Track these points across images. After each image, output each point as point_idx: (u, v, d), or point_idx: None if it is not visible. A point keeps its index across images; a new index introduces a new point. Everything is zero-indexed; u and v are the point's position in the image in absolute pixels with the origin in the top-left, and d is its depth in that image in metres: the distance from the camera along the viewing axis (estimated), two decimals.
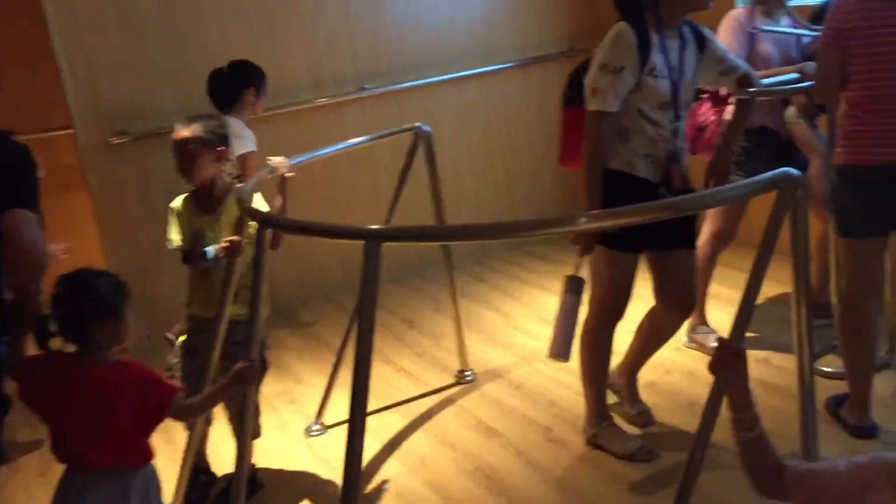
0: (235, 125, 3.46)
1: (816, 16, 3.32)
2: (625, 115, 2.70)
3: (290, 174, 2.85)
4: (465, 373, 3.71)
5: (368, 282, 1.87)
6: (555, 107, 5.40)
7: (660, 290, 2.96)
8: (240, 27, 4.47)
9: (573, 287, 2.81)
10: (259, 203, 2.64)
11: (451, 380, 3.71)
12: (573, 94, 2.96)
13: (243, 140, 3.57)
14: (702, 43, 2.81)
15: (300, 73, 4.66)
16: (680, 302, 2.94)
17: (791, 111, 3.38)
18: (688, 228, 2.89)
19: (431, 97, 5.04)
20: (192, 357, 2.83)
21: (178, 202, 2.84)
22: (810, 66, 3.12)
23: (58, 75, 4.14)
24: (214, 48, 4.37)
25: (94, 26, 4.13)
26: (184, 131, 2.73)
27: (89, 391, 1.99)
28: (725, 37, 3.31)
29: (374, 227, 1.89)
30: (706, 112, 3.40)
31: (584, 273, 2.89)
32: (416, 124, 3.43)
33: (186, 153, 2.72)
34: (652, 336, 3.08)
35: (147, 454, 2.10)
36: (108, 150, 4.23)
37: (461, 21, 5.09)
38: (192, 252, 2.74)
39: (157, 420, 2.05)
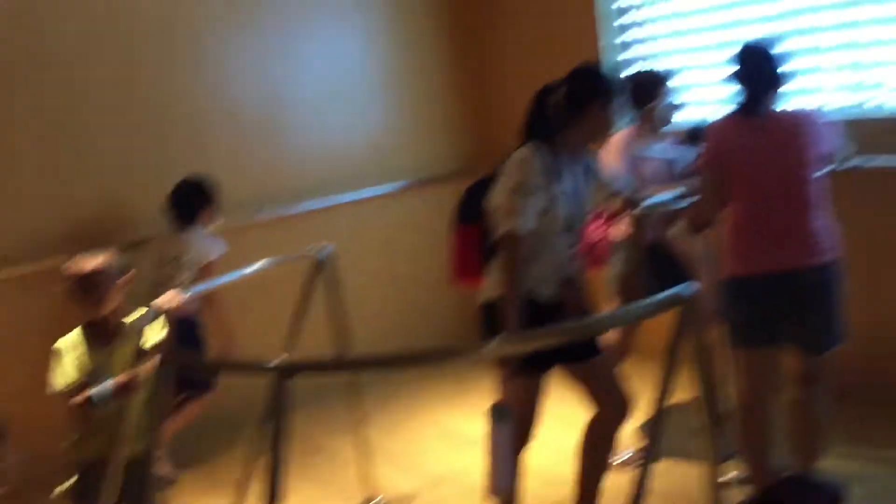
0: (199, 235, 4.03)
1: (691, 136, 3.55)
2: (529, 239, 2.76)
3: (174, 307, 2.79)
4: (372, 500, 3.60)
5: (278, 418, 1.82)
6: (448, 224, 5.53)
7: (594, 397, 2.95)
8: (132, 147, 4.40)
9: (499, 416, 2.74)
10: (157, 332, 2.57)
11: None
12: (467, 211, 3.02)
13: (213, 246, 4.06)
14: (593, 167, 2.95)
15: None
16: (617, 401, 2.92)
17: (677, 228, 3.56)
18: (592, 339, 2.93)
19: (330, 219, 5.05)
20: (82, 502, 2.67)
21: (67, 340, 2.73)
22: (691, 183, 3.31)
23: None
24: (99, 170, 4.27)
25: None
26: (90, 263, 2.69)
27: None
28: (612, 158, 3.49)
29: (280, 360, 1.86)
30: (596, 228, 3.54)
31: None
32: (316, 248, 3.42)
33: (96, 285, 2.67)
34: (600, 443, 2.99)
35: None
36: None
37: (358, 141, 5.19)
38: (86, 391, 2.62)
39: None
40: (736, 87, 2.91)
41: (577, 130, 2.80)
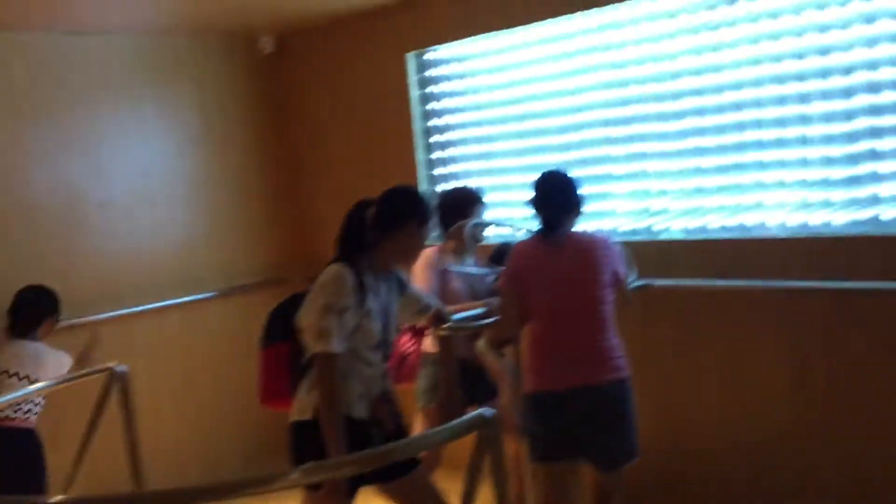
0: (42, 348, 3.85)
1: (495, 256, 3.69)
2: (342, 357, 2.72)
3: None
4: None
5: None
6: (256, 335, 5.38)
7: None
8: None
9: None
10: None
11: None
12: (275, 330, 2.96)
13: (61, 360, 3.90)
14: (401, 284, 2.98)
15: None
16: None
17: (481, 343, 3.65)
18: None
19: (127, 330, 4.78)
20: None
21: None
22: (495, 301, 3.42)
23: None
24: None
25: None
26: None
27: None
28: (419, 274, 3.56)
29: (57, 500, 1.69)
30: (406, 342, 3.57)
31: None
32: (110, 364, 3.21)
33: None
34: None
35: None
36: None
37: (162, 250, 4.99)
38: None
39: None
40: (535, 212, 3.08)
41: (389, 249, 2.84)
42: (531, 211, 3.11)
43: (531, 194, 3.11)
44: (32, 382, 3.74)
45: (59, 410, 4.20)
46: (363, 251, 2.83)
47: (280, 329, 2.93)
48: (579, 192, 3.11)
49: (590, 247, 3.06)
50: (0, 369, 3.81)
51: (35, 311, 3.95)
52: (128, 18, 4.54)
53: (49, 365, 3.91)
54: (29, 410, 3.80)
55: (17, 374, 3.81)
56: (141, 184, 4.95)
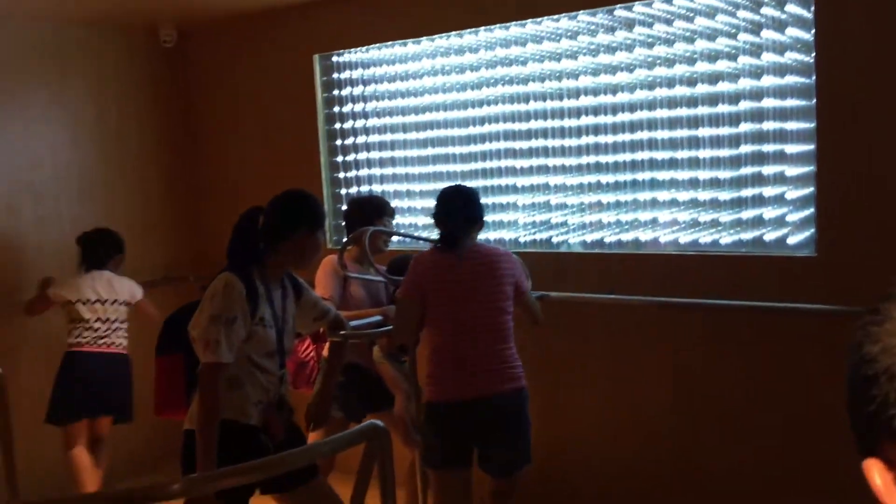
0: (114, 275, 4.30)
1: (394, 266, 3.72)
2: (235, 364, 2.69)
3: None
4: None
5: None
6: (148, 336, 5.25)
7: None
8: None
9: None
10: None
11: None
12: (169, 340, 2.91)
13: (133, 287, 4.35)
14: (298, 291, 2.96)
15: None
16: None
17: (376, 351, 3.67)
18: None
19: (9, 329, 4.58)
20: None
21: None
22: (392, 309, 3.45)
23: None
24: None
25: None
26: None
27: None
28: (322, 280, 3.55)
29: None
30: (306, 349, 3.55)
31: None
32: None
33: None
34: None
35: None
36: None
37: (49, 247, 4.80)
38: None
39: None
40: (437, 225, 3.12)
41: (282, 255, 2.81)
42: (433, 223, 3.15)
43: (434, 208, 3.15)
44: (113, 304, 4.25)
45: None
46: (255, 259, 2.79)
47: (173, 340, 2.88)
48: (481, 205, 3.17)
49: (491, 258, 3.12)
50: (83, 298, 4.19)
51: (103, 249, 4.35)
52: (24, 4, 4.36)
53: (125, 289, 4.36)
54: (121, 337, 4.29)
55: (98, 300, 4.24)
56: (30, 176, 4.75)
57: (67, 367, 4.20)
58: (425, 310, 3.05)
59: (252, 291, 2.72)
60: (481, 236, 3.20)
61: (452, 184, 3.25)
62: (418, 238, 4.18)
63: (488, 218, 3.23)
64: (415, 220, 4.63)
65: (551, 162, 4.13)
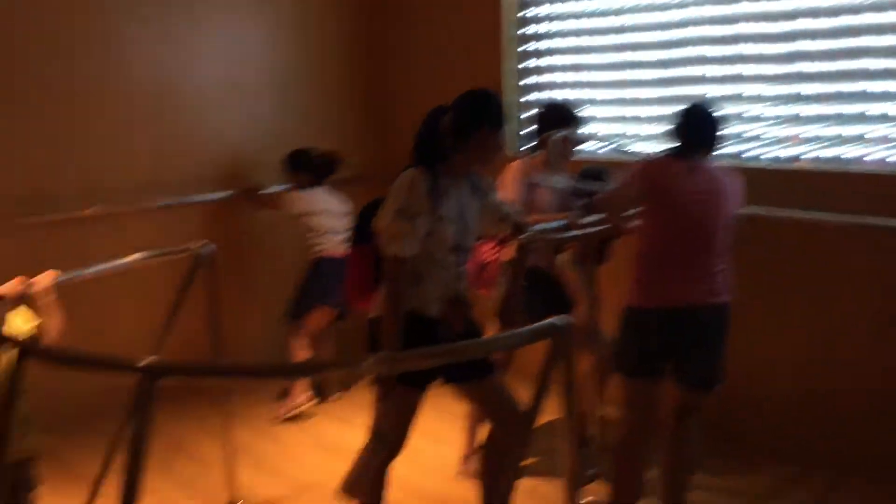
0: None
1: (583, 175, 3.65)
2: (416, 259, 2.78)
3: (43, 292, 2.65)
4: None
5: (140, 419, 1.76)
6: None
7: (487, 416, 3.00)
8: (10, 129, 4.20)
9: (378, 438, 2.75)
10: (21, 322, 2.45)
11: None
12: (361, 232, 3.03)
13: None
14: (482, 191, 2.99)
15: (72, 178, 4.42)
16: (511, 419, 2.91)
17: (564, 257, 3.65)
18: (482, 359, 2.93)
19: (212, 212, 4.94)
20: None
21: None
22: (577, 215, 3.42)
23: None
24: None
25: None
26: None
27: None
28: (507, 183, 3.57)
29: (149, 360, 1.80)
30: (487, 251, 3.60)
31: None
32: (198, 243, 3.34)
33: None
34: (498, 463, 2.97)
35: None
36: None
37: (250, 138, 5.08)
38: None
39: None
40: (677, 136, 3.04)
41: (464, 154, 2.84)
42: (672, 133, 3.07)
43: (677, 117, 3.06)
44: (340, 216, 4.64)
45: (144, 285, 4.43)
46: (439, 157, 2.84)
47: (364, 232, 2.99)
48: (720, 126, 3.07)
49: (722, 175, 3.05)
50: (320, 210, 4.63)
51: (327, 169, 4.76)
52: None
53: (343, 203, 4.74)
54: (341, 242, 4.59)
55: (332, 212, 4.66)
56: (233, 74, 5.01)
57: (314, 270, 4.63)
58: (646, 210, 3.00)
59: (435, 188, 2.78)
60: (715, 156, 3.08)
61: (698, 98, 3.14)
62: (610, 146, 4.08)
63: (722, 140, 3.12)
64: (604, 128, 4.53)
65: (749, 69, 3.90)
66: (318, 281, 4.59)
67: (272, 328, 4.97)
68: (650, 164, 3.08)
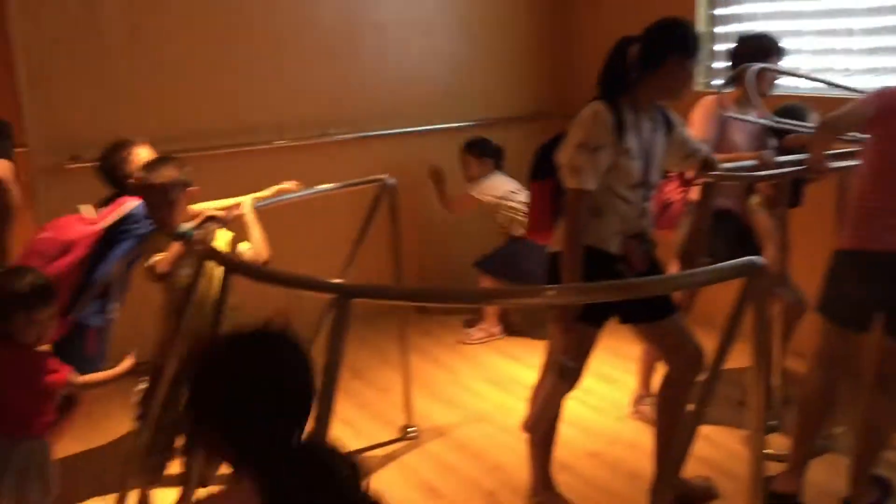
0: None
1: (782, 113, 3.43)
2: (598, 193, 2.73)
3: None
4: (409, 428, 3.67)
5: (336, 338, 1.85)
6: (515, 169, 5.48)
7: (665, 356, 2.93)
8: (207, 64, 4.44)
9: (564, 374, 2.72)
10: (224, 240, 2.62)
11: (394, 435, 3.67)
12: (541, 167, 3.00)
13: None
14: (669, 126, 2.88)
15: (263, 112, 4.63)
16: (689, 361, 2.86)
17: (755, 199, 3.48)
18: (664, 298, 2.86)
19: (394, 148, 5.06)
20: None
21: None
22: (769, 155, 3.23)
23: (15, 92, 4.05)
24: (181, 85, 4.36)
25: (60, 47, 4.06)
26: (164, 173, 2.69)
27: None
28: (698, 121, 3.42)
29: (344, 282, 1.88)
30: (672, 190, 3.48)
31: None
32: (382, 176, 3.43)
33: (168, 201, 2.69)
34: (676, 404, 2.93)
35: (31, 428, 2.43)
36: (59, 174, 4.13)
37: (430, 75, 5.14)
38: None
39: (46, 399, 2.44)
40: None
41: (652, 85, 2.73)
42: None
43: None
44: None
45: (330, 213, 4.62)
46: (625, 89, 2.74)
47: (545, 167, 2.96)
48: None
49: None
50: (511, 190, 4.80)
51: (501, 158, 4.95)
52: None
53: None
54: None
55: (516, 190, 4.81)
56: (415, 8, 5.06)
57: (516, 247, 4.74)
58: (872, 140, 2.76)
59: (619, 121, 2.70)
60: None
61: None
62: (814, 79, 3.80)
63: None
64: (807, 62, 4.23)
65: None
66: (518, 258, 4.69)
67: (444, 262, 5.08)
68: (888, 90, 2.80)
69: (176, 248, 2.58)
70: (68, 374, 2.44)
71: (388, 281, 3.64)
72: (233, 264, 2.20)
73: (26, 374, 2.40)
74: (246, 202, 2.78)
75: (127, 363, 2.53)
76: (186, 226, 2.56)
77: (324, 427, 1.79)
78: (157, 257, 2.62)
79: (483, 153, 4.92)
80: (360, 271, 3.47)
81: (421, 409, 3.83)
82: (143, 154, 3.08)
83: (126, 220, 2.92)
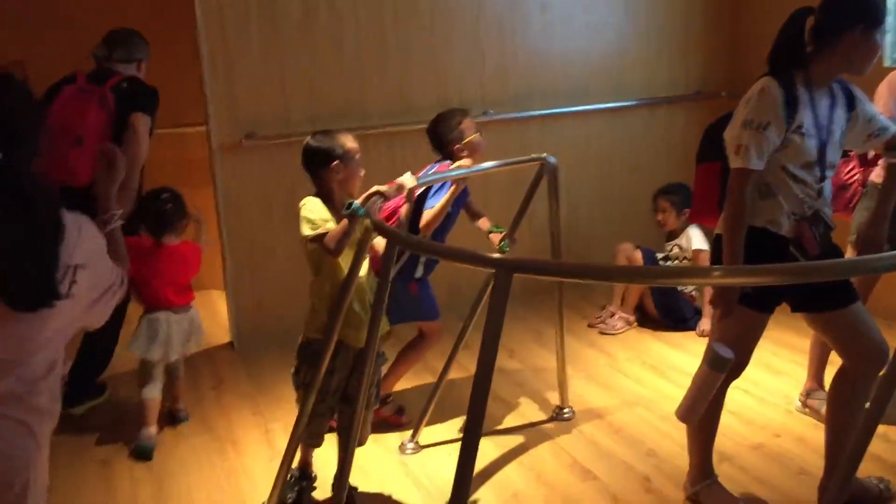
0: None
1: None
2: (768, 172, 2.60)
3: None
4: (564, 409, 3.65)
5: (495, 312, 1.85)
6: (678, 150, 5.35)
7: (843, 349, 2.74)
8: (374, 44, 4.56)
9: (715, 362, 2.56)
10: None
11: (549, 415, 3.66)
12: (708, 148, 2.89)
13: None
14: (851, 102, 2.69)
15: (428, 92, 4.71)
16: (869, 355, 2.68)
17: None
18: (843, 285, 2.69)
19: (554, 127, 5.03)
20: (330, 377, 2.84)
21: (313, 201, 2.80)
22: None
23: (197, 74, 4.30)
24: (347, 64, 4.49)
25: (239, 32, 4.28)
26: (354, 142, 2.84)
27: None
28: (884, 96, 3.18)
29: (505, 257, 1.88)
30: (852, 171, 3.27)
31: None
32: (543, 155, 3.42)
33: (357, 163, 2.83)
34: (852, 399, 2.75)
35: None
36: (236, 151, 4.37)
37: (594, 55, 5.06)
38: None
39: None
40: None
41: (831, 58, 2.55)
42: None
43: None
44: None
45: (489, 191, 4.65)
46: (799, 64, 2.58)
47: (711, 148, 2.85)
48: None
49: None
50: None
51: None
52: None
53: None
54: None
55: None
56: None
57: None
58: None
59: (791, 97, 2.55)
60: None
61: None
62: None
63: None
64: None
65: None
66: None
67: (605, 240, 5.01)
68: None
69: (344, 222, 2.65)
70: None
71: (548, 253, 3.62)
72: (398, 237, 2.25)
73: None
74: (408, 177, 2.83)
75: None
76: (356, 201, 2.62)
77: (480, 403, 1.80)
78: (325, 229, 2.70)
79: (687, 204, 4.47)
80: (513, 250, 3.48)
81: (575, 390, 3.80)
82: (469, 125, 3.48)
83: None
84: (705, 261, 4.47)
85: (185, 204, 3.59)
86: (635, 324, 4.65)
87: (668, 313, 4.58)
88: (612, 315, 4.65)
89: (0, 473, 1.61)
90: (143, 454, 3.41)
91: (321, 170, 2.80)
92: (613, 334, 4.55)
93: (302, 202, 2.78)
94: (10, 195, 1.56)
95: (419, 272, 3.50)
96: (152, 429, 3.49)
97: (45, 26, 4.84)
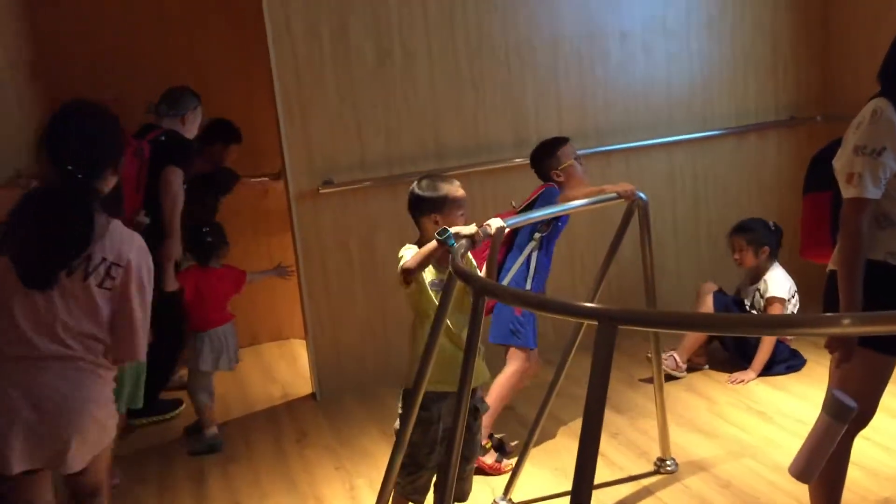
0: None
1: None
2: (886, 201, 2.38)
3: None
4: (666, 461, 3.41)
5: (599, 367, 1.67)
6: (770, 181, 5.09)
7: None
8: (449, 84, 4.45)
9: (837, 412, 2.34)
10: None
11: (650, 467, 3.42)
12: (814, 178, 2.68)
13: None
14: None
15: (505, 130, 4.58)
16: None
17: None
18: None
19: (637, 161, 4.83)
20: (424, 428, 2.70)
21: (412, 248, 2.69)
22: None
23: (274, 124, 4.26)
24: (423, 105, 4.40)
25: (314, 79, 4.22)
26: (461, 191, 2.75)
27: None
28: None
29: (609, 307, 1.70)
30: None
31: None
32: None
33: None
34: None
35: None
36: (314, 199, 4.30)
37: (676, 84, 4.86)
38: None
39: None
40: None
41: None
42: None
43: None
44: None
45: (572, 230, 4.46)
46: None
47: (819, 178, 2.63)
48: None
49: None
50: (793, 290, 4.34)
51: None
52: None
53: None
54: None
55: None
56: (660, 14, 4.79)
57: None
58: None
59: None
60: None
61: None
62: None
63: None
64: None
65: None
66: None
67: (692, 275, 4.77)
68: None
69: (431, 245, 2.52)
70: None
71: (635, 302, 3.42)
72: (485, 286, 2.09)
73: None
74: (496, 222, 2.69)
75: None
76: (455, 231, 2.48)
77: (589, 462, 1.63)
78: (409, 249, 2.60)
79: (765, 241, 4.31)
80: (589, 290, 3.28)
81: (675, 439, 3.56)
82: (566, 152, 3.59)
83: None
84: (779, 311, 4.17)
85: (224, 234, 4.03)
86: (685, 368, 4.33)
87: (743, 354, 4.31)
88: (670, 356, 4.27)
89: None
90: (214, 448, 3.87)
91: (422, 217, 2.72)
92: (678, 377, 4.28)
93: (402, 249, 2.69)
94: (81, 209, 2.12)
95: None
96: (214, 428, 3.95)
97: (136, 66, 4.81)
